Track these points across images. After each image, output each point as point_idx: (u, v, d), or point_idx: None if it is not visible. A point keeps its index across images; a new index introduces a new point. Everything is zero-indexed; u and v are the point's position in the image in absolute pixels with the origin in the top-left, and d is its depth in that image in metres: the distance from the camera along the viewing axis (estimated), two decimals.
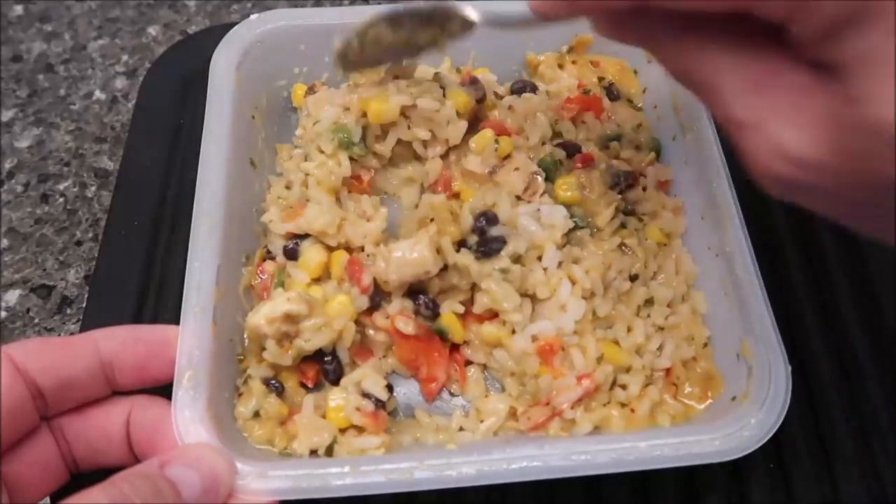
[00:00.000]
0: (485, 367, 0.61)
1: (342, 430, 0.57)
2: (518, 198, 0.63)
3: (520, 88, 0.72)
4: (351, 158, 0.65)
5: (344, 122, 0.65)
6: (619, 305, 0.61)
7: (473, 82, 0.68)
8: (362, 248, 0.62)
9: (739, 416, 0.51)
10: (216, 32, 0.70)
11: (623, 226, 0.64)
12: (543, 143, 0.67)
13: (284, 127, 0.74)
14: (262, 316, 0.56)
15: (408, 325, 0.59)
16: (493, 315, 0.60)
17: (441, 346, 0.60)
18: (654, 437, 0.51)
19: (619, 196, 0.65)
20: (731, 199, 0.60)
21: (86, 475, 0.51)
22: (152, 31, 0.91)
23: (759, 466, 0.60)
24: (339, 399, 0.57)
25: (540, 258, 0.60)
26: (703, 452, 0.50)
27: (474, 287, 0.60)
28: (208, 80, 0.66)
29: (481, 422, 0.58)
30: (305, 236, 0.63)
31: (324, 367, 0.59)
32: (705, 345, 0.60)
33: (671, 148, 0.69)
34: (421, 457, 0.50)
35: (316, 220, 0.62)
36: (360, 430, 0.57)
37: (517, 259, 0.59)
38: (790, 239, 0.70)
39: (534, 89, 0.72)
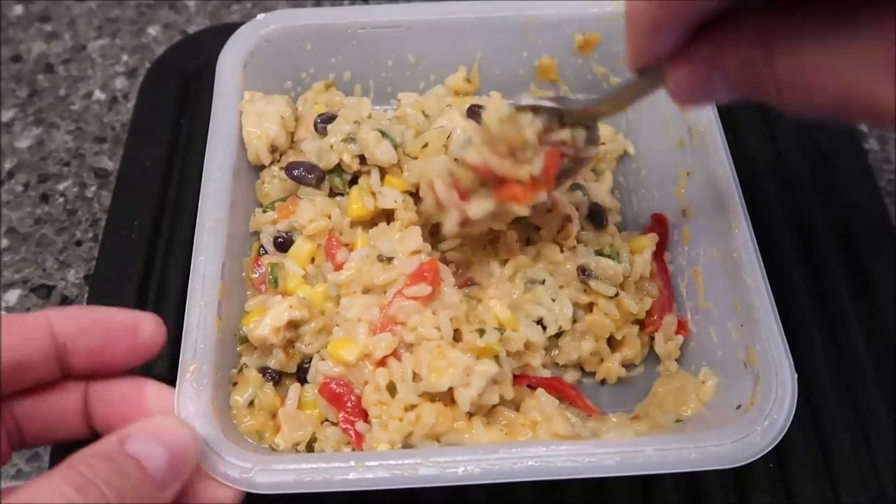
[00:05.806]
0: None
1: (322, 424, 0.57)
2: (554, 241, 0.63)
3: None
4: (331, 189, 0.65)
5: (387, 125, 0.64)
6: None
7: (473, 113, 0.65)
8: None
9: (745, 425, 0.51)
10: (216, 32, 0.70)
11: None
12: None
13: None
14: (268, 326, 0.57)
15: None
16: None
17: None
18: (659, 442, 0.51)
19: None
20: (739, 204, 0.59)
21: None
22: (152, 31, 0.91)
23: (759, 466, 0.60)
24: (311, 394, 0.58)
25: None
26: (709, 458, 0.50)
27: None
28: (215, 80, 0.66)
29: None
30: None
31: (301, 368, 0.60)
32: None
33: (678, 153, 0.66)
34: (426, 453, 0.50)
35: (308, 220, 0.62)
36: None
37: None
38: (791, 243, 0.71)
39: None
